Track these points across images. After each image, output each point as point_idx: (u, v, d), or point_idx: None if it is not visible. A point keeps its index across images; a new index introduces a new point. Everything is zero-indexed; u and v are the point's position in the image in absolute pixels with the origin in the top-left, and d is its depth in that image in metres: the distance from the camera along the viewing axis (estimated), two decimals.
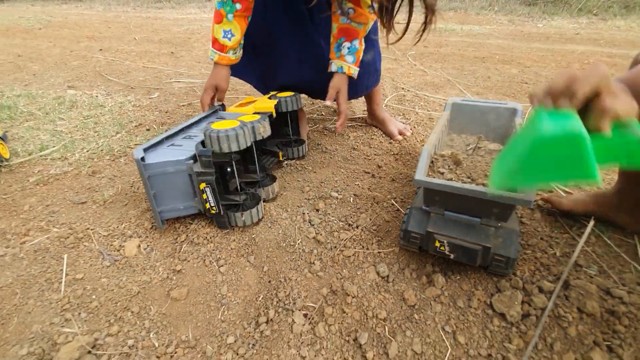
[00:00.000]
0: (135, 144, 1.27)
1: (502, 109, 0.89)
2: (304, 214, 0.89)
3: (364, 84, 1.22)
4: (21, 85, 2.10)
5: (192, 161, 0.78)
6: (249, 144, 0.79)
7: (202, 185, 0.78)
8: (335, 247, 0.80)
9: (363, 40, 1.06)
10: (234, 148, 0.76)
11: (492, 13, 3.96)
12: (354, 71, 1.05)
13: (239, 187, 0.88)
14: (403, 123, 1.42)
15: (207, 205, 0.80)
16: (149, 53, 2.77)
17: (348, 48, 1.03)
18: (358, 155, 1.22)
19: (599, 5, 3.78)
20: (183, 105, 1.73)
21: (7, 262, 0.75)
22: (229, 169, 0.85)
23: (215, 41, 1.03)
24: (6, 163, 1.12)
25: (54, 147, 1.26)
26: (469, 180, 0.65)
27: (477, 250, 0.63)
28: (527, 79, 2.01)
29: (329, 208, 0.92)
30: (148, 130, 1.44)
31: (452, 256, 0.66)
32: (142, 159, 0.76)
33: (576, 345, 0.60)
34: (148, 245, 0.80)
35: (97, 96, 1.87)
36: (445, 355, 0.60)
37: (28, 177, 1.06)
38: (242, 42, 1.07)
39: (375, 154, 1.24)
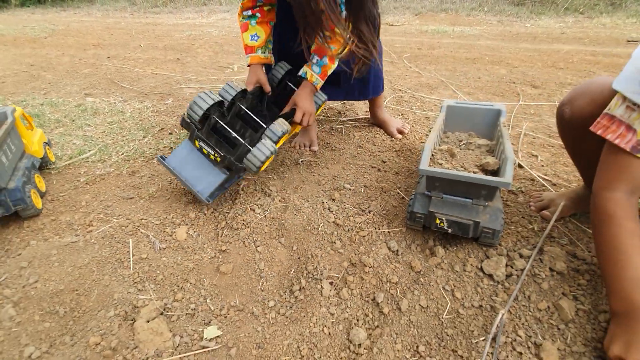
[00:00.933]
0: (164, 147, 1.43)
1: (489, 110, 1.06)
2: (322, 202, 1.06)
3: (369, 89, 1.39)
4: (40, 93, 2.24)
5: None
6: (208, 105, 0.97)
7: (197, 143, 0.97)
8: (352, 229, 0.97)
9: (336, 60, 1.16)
10: (198, 111, 0.96)
11: (482, 14, 4.15)
12: (316, 80, 1.15)
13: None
14: (401, 121, 1.59)
15: (212, 157, 0.96)
16: (155, 60, 2.92)
17: (317, 61, 1.15)
18: (364, 152, 1.39)
19: (585, 4, 3.98)
20: None
21: (81, 247, 0.90)
22: (216, 122, 1.02)
23: (246, 47, 1.22)
24: (53, 166, 1.27)
25: (90, 151, 1.41)
26: (463, 169, 0.82)
27: (470, 224, 0.80)
28: (515, 79, 2.20)
29: (343, 197, 1.08)
30: (170, 134, 1.59)
31: (449, 230, 0.83)
32: (162, 157, 0.99)
33: (548, 296, 0.77)
34: (195, 231, 0.96)
35: (115, 103, 2.01)
36: (446, 308, 0.77)
37: (76, 177, 1.21)
38: (270, 46, 1.25)
39: (379, 151, 1.41)
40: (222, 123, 1.03)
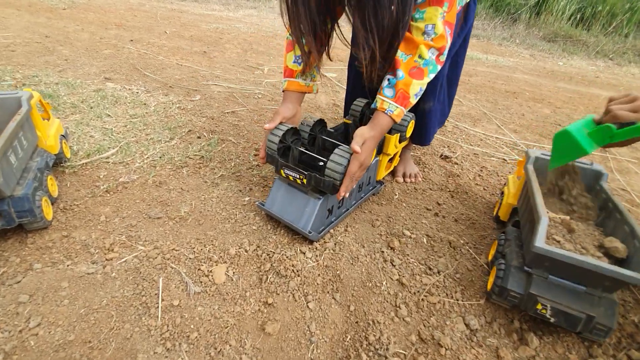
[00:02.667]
0: (194, 154, 1.26)
1: (585, 169, 0.91)
2: (382, 252, 0.90)
3: (434, 128, 1.23)
4: (55, 70, 2.05)
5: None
6: (283, 132, 0.89)
7: (282, 173, 0.88)
8: (419, 291, 0.81)
9: (426, 71, 0.85)
10: (274, 139, 0.89)
11: (514, 45, 4.05)
12: (389, 107, 0.85)
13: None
14: (417, 168, 1.34)
15: (298, 181, 0.86)
16: (181, 50, 2.74)
17: (388, 80, 0.86)
18: (414, 189, 1.24)
19: (614, 50, 3.90)
20: (227, 113, 1.72)
21: (99, 282, 0.73)
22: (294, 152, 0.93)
23: (285, 69, 1.00)
24: (68, 164, 1.10)
25: (111, 149, 1.23)
26: (584, 250, 0.67)
27: (581, 318, 0.65)
28: (560, 121, 2.07)
29: (405, 248, 0.93)
30: (199, 137, 1.43)
31: (552, 320, 0.68)
32: (261, 203, 0.95)
33: None
34: (235, 273, 0.80)
35: (137, 92, 1.84)
36: None
37: (95, 182, 1.04)
38: (316, 72, 1.02)
39: (430, 189, 1.26)
40: (306, 152, 0.94)
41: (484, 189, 1.30)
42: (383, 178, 1.27)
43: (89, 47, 2.57)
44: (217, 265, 0.80)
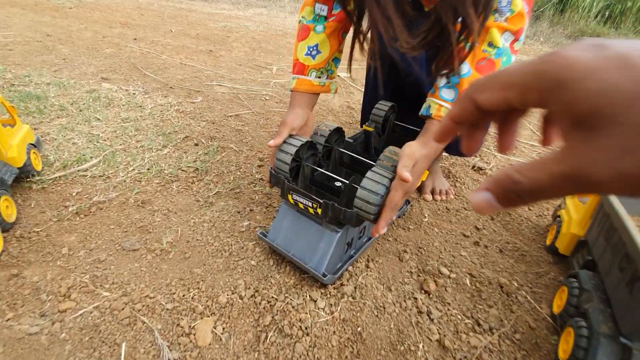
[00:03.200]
0: (187, 166, 1.07)
1: None
2: (415, 298, 0.70)
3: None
4: (50, 70, 1.90)
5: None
6: (296, 148, 0.69)
7: (290, 198, 0.69)
8: (467, 357, 0.60)
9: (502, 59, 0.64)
10: (285, 158, 0.69)
11: (538, 43, 3.78)
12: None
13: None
14: (448, 182, 1.13)
15: (311, 210, 0.66)
16: (186, 48, 2.58)
17: (448, 77, 0.68)
18: (446, 209, 1.03)
19: None
20: (230, 116, 1.54)
21: (43, 346, 0.55)
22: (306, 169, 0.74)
23: (295, 63, 0.80)
24: (38, 178, 0.92)
25: (92, 158, 1.06)
26: None
27: None
28: None
29: (443, 292, 0.72)
30: (197, 145, 1.24)
31: None
32: (263, 233, 0.75)
33: None
34: (225, 329, 0.60)
35: (134, 94, 1.67)
36: None
37: (65, 201, 0.86)
38: (334, 68, 0.83)
39: (465, 209, 1.05)
40: (320, 170, 0.74)
41: (529, 209, 1.08)
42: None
43: (90, 46, 2.42)
44: (202, 319, 0.61)
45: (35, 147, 0.97)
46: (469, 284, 0.75)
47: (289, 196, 0.68)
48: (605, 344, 0.52)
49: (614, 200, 0.66)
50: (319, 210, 0.64)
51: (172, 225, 0.81)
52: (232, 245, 0.77)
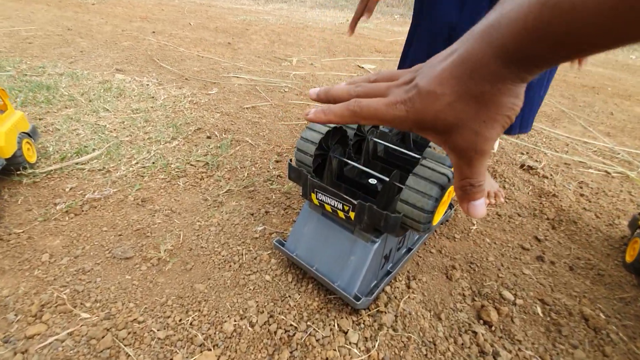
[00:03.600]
0: (197, 160, 0.95)
1: None
2: (473, 332, 0.53)
3: (523, 120, 0.83)
4: (66, 62, 1.83)
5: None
6: (322, 135, 0.55)
7: (315, 198, 0.54)
8: None
9: None
10: (309, 149, 0.55)
11: None
12: None
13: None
14: (497, 184, 0.96)
15: (341, 214, 0.51)
16: (204, 41, 2.48)
17: None
18: (497, 216, 0.86)
19: None
20: (247, 108, 1.41)
21: None
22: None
23: None
24: (30, 171, 0.81)
25: (94, 150, 0.95)
26: None
27: None
28: None
29: (510, 324, 0.56)
30: (209, 137, 1.12)
31: None
32: (280, 241, 0.61)
33: None
34: None
35: (147, 85, 1.57)
36: None
37: (56, 197, 0.75)
38: None
39: (519, 215, 0.87)
40: (350, 163, 0.58)
41: (597, 217, 0.89)
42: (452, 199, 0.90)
43: (109, 40, 2.36)
44: (201, 352, 0.47)
45: (30, 136, 0.87)
46: (541, 314, 0.58)
47: (313, 196, 0.54)
48: None
49: None
50: (352, 214, 0.49)
51: (173, 229, 0.68)
52: (243, 255, 0.64)
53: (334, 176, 0.58)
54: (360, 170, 0.62)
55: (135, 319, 0.50)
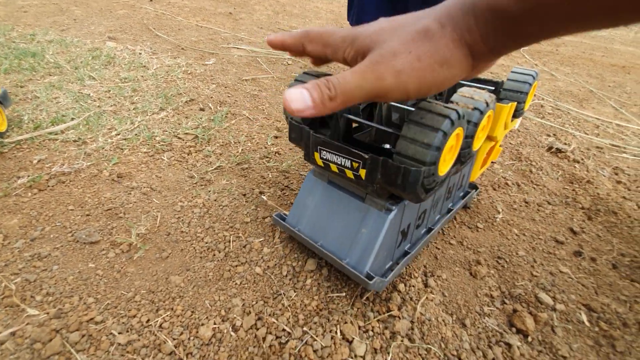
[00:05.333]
0: (186, 133, 0.84)
1: None
2: (507, 344, 0.43)
3: None
4: (58, 30, 1.71)
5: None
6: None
7: (318, 159, 0.44)
8: None
9: None
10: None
11: None
12: None
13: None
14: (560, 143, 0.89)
15: (350, 173, 0.41)
16: (204, 10, 2.32)
17: None
18: (525, 203, 0.75)
19: None
20: (246, 80, 1.29)
21: None
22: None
23: None
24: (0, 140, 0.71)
25: (72, 120, 0.84)
26: None
27: None
28: None
29: (549, 335, 0.45)
30: (202, 109, 1.00)
31: None
32: (280, 215, 0.52)
33: None
34: None
35: (140, 53, 1.44)
36: None
37: (21, 170, 0.65)
38: None
39: (549, 202, 0.76)
40: (362, 121, 0.45)
41: (639, 207, 0.78)
42: (475, 180, 0.79)
43: (104, 8, 2.22)
44: None
45: (1, 103, 0.76)
46: (587, 323, 0.47)
47: (317, 155, 0.43)
48: None
49: None
50: (362, 172, 0.39)
51: (151, 209, 0.58)
52: (230, 242, 0.54)
53: (341, 137, 0.47)
54: (372, 137, 0.52)
55: (92, 319, 0.41)
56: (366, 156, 0.39)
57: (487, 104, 0.44)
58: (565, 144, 1.04)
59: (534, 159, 0.93)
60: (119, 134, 0.80)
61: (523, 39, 0.22)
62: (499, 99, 0.64)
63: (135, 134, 0.80)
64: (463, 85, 0.69)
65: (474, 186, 0.71)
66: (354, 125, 0.50)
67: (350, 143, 0.48)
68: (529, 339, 0.45)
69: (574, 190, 0.81)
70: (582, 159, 0.96)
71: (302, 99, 0.22)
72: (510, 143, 1.01)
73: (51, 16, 1.98)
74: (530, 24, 0.20)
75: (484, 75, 1.45)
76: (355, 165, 0.40)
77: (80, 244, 0.51)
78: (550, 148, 1.00)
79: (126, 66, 1.28)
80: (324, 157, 0.44)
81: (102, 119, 0.86)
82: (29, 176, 0.63)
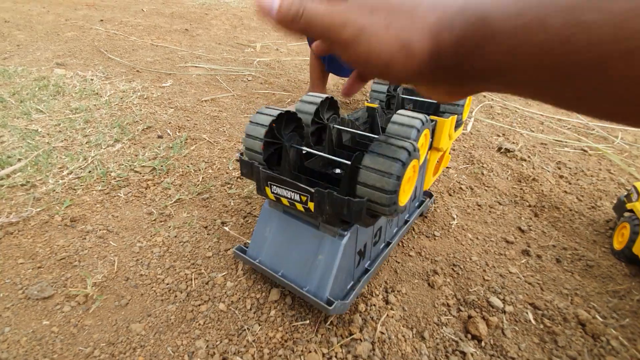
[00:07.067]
0: (143, 166, 0.82)
1: None
2: (461, 352, 0.46)
3: None
4: (0, 58, 1.61)
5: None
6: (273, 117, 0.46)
7: (269, 192, 0.46)
8: None
9: None
10: (259, 131, 0.46)
11: None
12: None
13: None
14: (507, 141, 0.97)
15: (299, 206, 0.44)
16: (158, 28, 2.27)
17: None
18: (478, 206, 0.79)
19: None
20: (205, 101, 1.27)
21: None
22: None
23: None
24: None
25: (19, 161, 0.80)
26: None
27: None
28: None
29: (500, 338, 0.49)
30: (160, 137, 0.99)
31: None
32: (241, 248, 0.53)
33: None
34: None
35: (92, 80, 1.39)
36: None
37: None
38: None
39: (499, 203, 0.81)
40: (311, 150, 0.49)
41: (579, 199, 0.85)
42: (430, 188, 0.83)
43: (50, 31, 2.11)
44: None
45: None
46: (533, 321, 0.51)
47: (268, 190, 0.45)
48: None
49: None
50: (311, 205, 0.41)
51: (107, 254, 0.57)
52: (192, 280, 0.53)
53: (293, 169, 0.49)
54: (324, 161, 0.54)
55: None
56: (312, 190, 0.40)
57: (419, 130, 0.47)
58: (513, 142, 1.11)
59: (485, 160, 0.98)
60: (70, 173, 0.77)
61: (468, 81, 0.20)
62: (440, 114, 0.68)
63: (89, 172, 0.78)
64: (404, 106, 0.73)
65: (429, 194, 0.74)
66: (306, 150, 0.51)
67: (302, 171, 0.49)
68: (483, 344, 0.48)
69: (521, 189, 0.87)
70: (529, 157, 1.03)
71: (268, 11, 0.22)
72: (463, 146, 1.07)
73: None
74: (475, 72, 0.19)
75: None
76: (303, 198, 0.42)
77: (32, 300, 0.49)
78: (500, 148, 1.06)
79: (77, 95, 1.23)
80: (275, 192, 0.45)
81: (52, 157, 0.83)
82: None
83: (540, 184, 0.88)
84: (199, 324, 0.47)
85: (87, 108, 1.13)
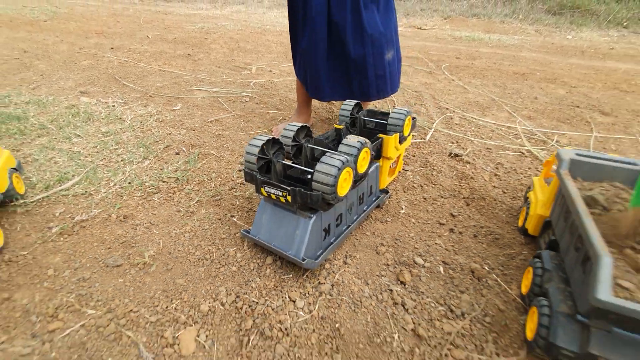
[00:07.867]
0: (168, 177, 1.09)
1: (634, 170, 0.72)
2: (390, 290, 0.73)
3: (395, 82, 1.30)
4: (29, 88, 1.89)
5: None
6: (263, 142, 0.75)
7: (264, 191, 0.73)
8: (440, 344, 0.64)
9: None
10: (253, 152, 0.74)
11: (517, 21, 3.78)
12: None
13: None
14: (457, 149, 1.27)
15: (282, 199, 0.71)
16: (164, 54, 2.56)
17: None
18: (424, 199, 1.05)
19: (629, 17, 3.61)
20: (211, 122, 1.55)
21: None
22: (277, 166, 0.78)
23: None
24: (22, 201, 0.93)
25: (74, 176, 1.07)
26: None
27: None
28: (578, 102, 1.85)
29: (418, 282, 0.75)
30: (178, 154, 1.26)
31: None
32: (246, 231, 0.80)
33: None
34: (207, 336, 0.63)
35: (114, 106, 1.67)
36: None
37: (49, 222, 0.88)
38: None
39: (442, 197, 1.07)
40: (289, 164, 0.80)
41: (504, 192, 1.11)
42: (387, 186, 1.09)
43: (67, 60, 2.40)
44: (185, 328, 0.63)
45: (17, 170, 0.98)
46: (442, 272, 0.78)
47: (262, 190, 0.73)
48: (564, 324, 0.55)
49: (572, 188, 0.68)
50: (289, 198, 0.69)
51: (154, 238, 0.84)
52: (213, 253, 0.80)
53: (280, 175, 0.77)
54: (299, 169, 0.80)
55: (130, 310, 0.66)
56: (289, 188, 0.67)
57: (359, 149, 0.74)
58: (463, 149, 1.38)
59: (437, 164, 1.25)
60: (115, 184, 1.04)
61: None
62: (387, 132, 0.95)
63: (129, 183, 1.05)
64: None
65: (385, 191, 1.01)
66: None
67: (286, 177, 0.76)
68: (406, 286, 0.74)
69: (460, 185, 1.13)
70: (474, 160, 1.30)
71: None
72: (422, 153, 1.33)
73: (17, 73, 2.14)
74: None
75: (383, 108, 1.80)
76: (284, 194, 0.69)
77: (109, 267, 0.75)
78: (450, 154, 1.33)
79: (104, 120, 1.51)
80: (267, 191, 0.72)
81: (98, 173, 1.10)
82: (57, 226, 0.86)
83: (475, 181, 1.14)
84: (220, 279, 0.73)
85: (115, 131, 1.41)
